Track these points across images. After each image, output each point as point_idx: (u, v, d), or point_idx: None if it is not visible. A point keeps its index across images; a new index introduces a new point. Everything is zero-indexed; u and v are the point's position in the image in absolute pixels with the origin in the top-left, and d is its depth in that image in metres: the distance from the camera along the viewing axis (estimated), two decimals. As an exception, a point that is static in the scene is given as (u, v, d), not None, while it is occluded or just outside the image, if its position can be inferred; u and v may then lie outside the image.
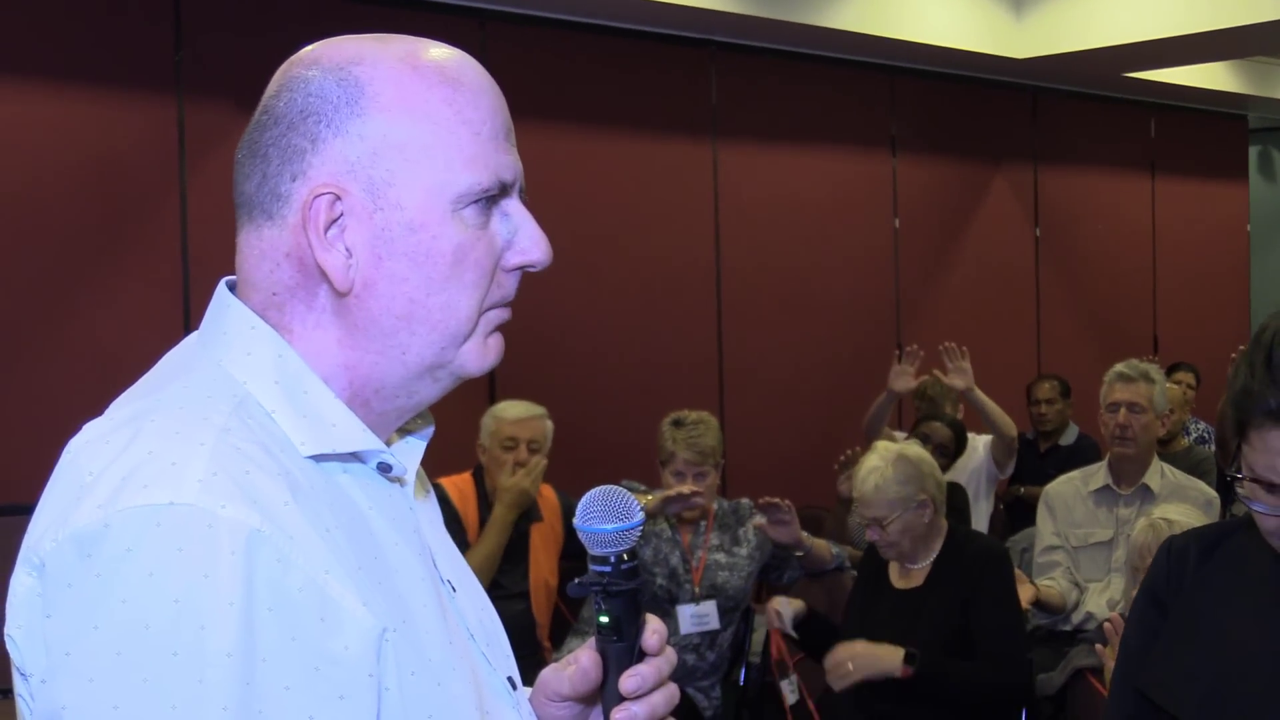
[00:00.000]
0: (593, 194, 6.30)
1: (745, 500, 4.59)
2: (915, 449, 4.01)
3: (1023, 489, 6.51)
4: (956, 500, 5.33)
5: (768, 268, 7.00)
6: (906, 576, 3.89)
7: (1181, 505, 4.06)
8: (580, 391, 6.19)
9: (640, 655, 1.22)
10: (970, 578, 3.78)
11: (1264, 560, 1.55)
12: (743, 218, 6.91)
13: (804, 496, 5.78)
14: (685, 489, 4.28)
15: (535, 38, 6.12)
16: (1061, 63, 7.74)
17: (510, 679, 1.27)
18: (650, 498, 4.24)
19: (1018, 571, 4.27)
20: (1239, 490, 1.48)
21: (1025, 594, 4.26)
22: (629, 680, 1.20)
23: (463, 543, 4.28)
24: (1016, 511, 6.44)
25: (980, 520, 6.05)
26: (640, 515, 1.23)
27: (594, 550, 1.22)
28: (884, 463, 3.83)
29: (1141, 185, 9.39)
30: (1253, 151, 10.80)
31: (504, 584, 4.45)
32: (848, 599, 4.12)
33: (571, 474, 5.28)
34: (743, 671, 4.63)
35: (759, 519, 4.42)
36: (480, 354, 1.20)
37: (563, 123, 6.23)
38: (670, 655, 1.25)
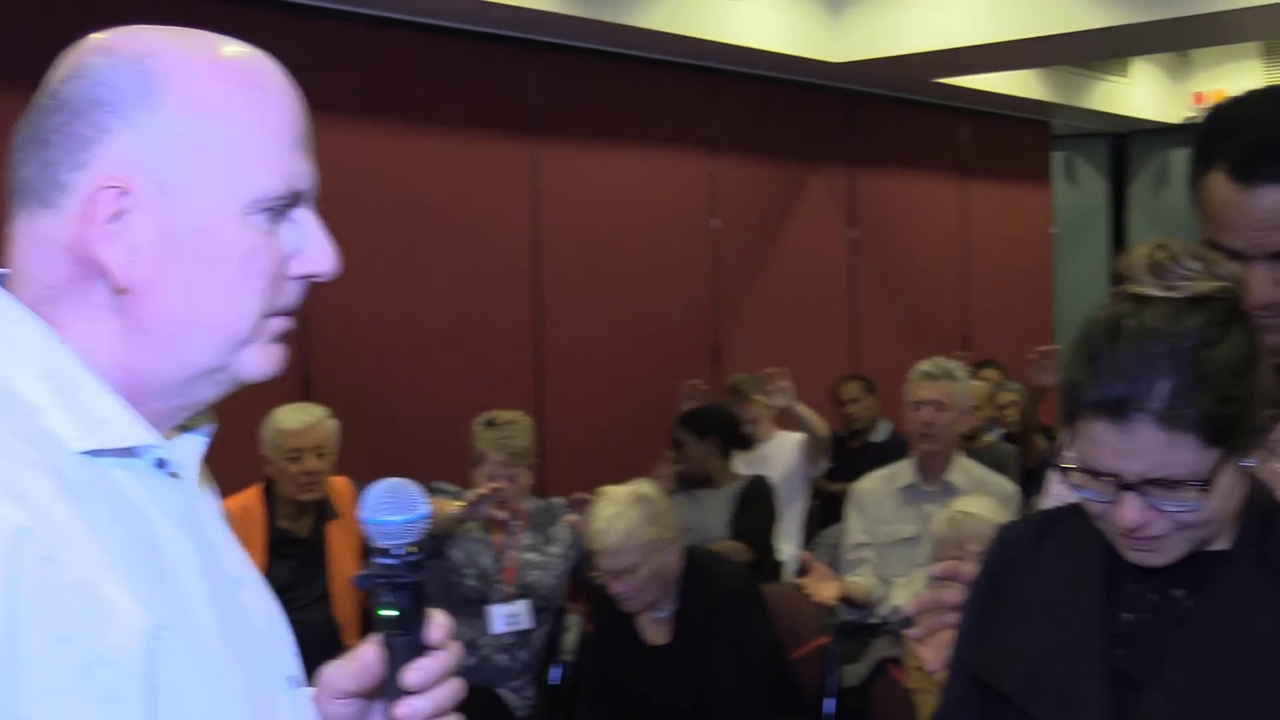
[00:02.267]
0: (409, 192, 6.23)
1: (558, 499, 4.59)
2: (648, 487, 3.81)
3: (837, 486, 6.62)
4: (757, 492, 5.39)
5: (587, 267, 7.02)
6: (656, 628, 3.72)
7: (980, 498, 4.19)
8: (395, 391, 6.13)
9: (424, 649, 1.22)
10: (715, 622, 3.62)
11: (1093, 544, 1.61)
12: (562, 218, 6.91)
13: (621, 495, 5.81)
14: (485, 489, 4.20)
15: (354, 33, 6.03)
16: (876, 67, 7.90)
17: (294, 676, 1.26)
18: (458, 504, 4.16)
19: (823, 567, 4.35)
20: (1071, 480, 1.53)
21: (831, 590, 4.33)
22: (412, 674, 1.20)
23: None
24: (831, 509, 6.54)
25: (795, 518, 6.15)
26: (426, 507, 1.23)
27: (379, 543, 1.22)
28: (624, 506, 3.63)
29: (952, 189, 9.65)
30: (1057, 157, 11.16)
31: (300, 592, 4.31)
32: (581, 662, 3.93)
33: (385, 474, 5.22)
34: (558, 671, 4.63)
35: (572, 516, 4.42)
36: (262, 361, 1.19)
37: (381, 120, 6.15)
38: (455, 649, 1.25)
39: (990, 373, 7.69)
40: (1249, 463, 1.53)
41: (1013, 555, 1.71)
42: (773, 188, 8.20)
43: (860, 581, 4.62)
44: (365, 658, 1.23)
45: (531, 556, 4.42)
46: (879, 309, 8.98)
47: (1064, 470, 1.54)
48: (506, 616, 4.30)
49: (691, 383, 6.20)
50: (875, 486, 4.83)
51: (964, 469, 4.76)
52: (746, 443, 5.95)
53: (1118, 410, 1.44)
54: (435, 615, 1.23)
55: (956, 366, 4.90)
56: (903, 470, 4.82)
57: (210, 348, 1.15)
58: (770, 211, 8.20)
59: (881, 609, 4.63)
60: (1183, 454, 1.44)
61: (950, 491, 4.65)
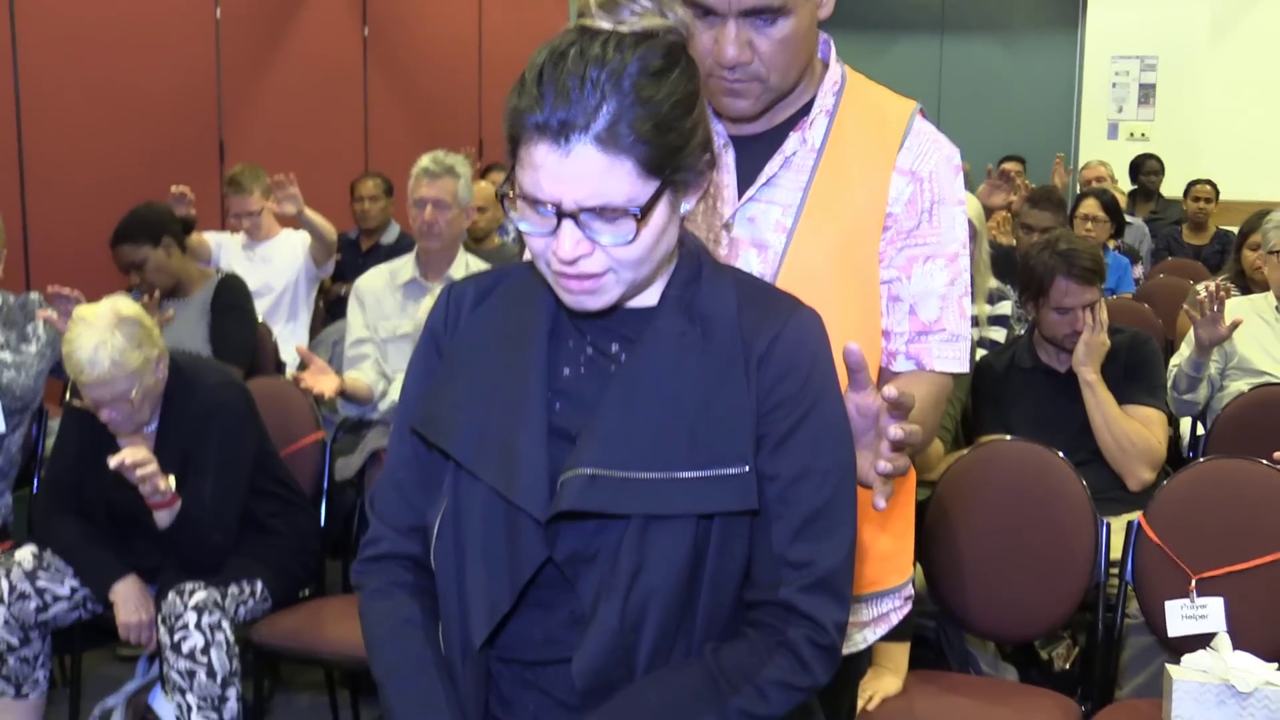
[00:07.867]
0: None
1: (34, 294, 4.30)
2: (125, 304, 3.48)
3: (345, 288, 6.54)
4: (231, 295, 5.11)
5: (74, 58, 6.49)
6: (138, 441, 3.53)
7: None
8: None
9: None
10: (197, 435, 3.54)
11: (537, 302, 1.64)
12: (42, 3, 6.34)
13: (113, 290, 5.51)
14: None
15: None
16: None
17: None
18: None
19: (320, 361, 4.29)
20: (511, 212, 1.54)
21: (329, 384, 4.28)
22: None
23: None
24: (338, 309, 6.47)
25: (300, 320, 6.05)
26: None
27: None
28: (106, 332, 3.34)
29: (469, -10, 9.56)
30: (575, -36, 11.25)
31: None
32: (56, 472, 3.76)
33: None
34: (39, 477, 4.39)
35: (48, 311, 4.15)
36: None
37: None
38: None
39: (498, 175, 7.74)
40: (686, 206, 1.59)
41: (455, 312, 1.72)
42: (281, -22, 7.85)
43: (360, 377, 4.58)
44: None
45: (5, 356, 4.13)
46: (393, 109, 8.84)
47: (504, 198, 1.55)
48: (-26, 421, 4.03)
49: (179, 189, 5.91)
50: (377, 282, 4.78)
51: (467, 266, 4.77)
52: (190, 228, 5.66)
53: (559, 132, 1.45)
54: None
55: (460, 161, 4.86)
56: (405, 266, 4.79)
57: None
58: (278, 3, 7.85)
59: (383, 404, 4.63)
60: (621, 180, 1.47)
61: (452, 288, 4.65)
